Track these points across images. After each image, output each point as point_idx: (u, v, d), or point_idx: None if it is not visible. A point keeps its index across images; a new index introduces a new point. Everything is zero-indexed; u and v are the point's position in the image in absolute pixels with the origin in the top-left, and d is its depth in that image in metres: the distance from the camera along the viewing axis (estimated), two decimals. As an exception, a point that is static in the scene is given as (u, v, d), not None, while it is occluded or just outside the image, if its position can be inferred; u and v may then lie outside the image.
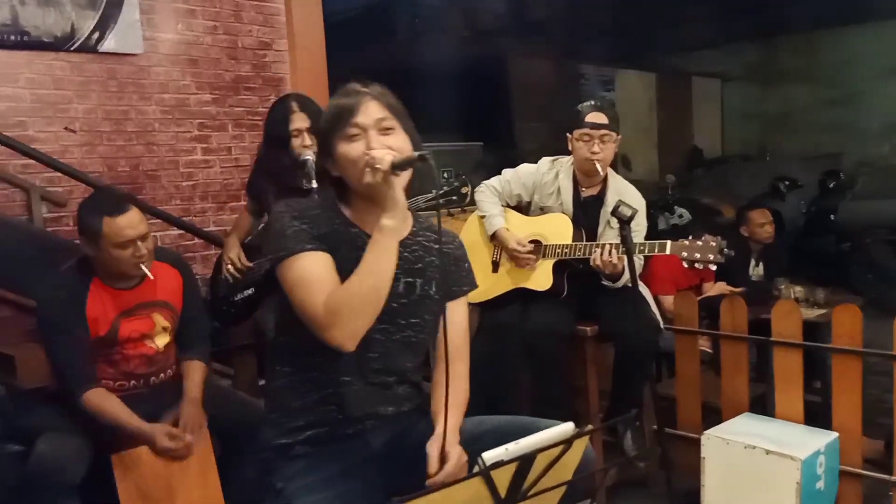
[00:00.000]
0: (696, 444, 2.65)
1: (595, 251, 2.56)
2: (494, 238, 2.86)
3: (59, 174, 3.66)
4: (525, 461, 1.10)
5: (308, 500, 1.45)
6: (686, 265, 2.41)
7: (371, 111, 1.48)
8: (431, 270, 1.62)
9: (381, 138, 1.47)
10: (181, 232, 4.09)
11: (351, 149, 1.47)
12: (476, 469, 1.09)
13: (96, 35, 3.96)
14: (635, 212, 2.35)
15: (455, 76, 7.41)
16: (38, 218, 3.71)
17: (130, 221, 2.16)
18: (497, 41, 8.22)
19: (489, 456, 1.10)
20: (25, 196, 3.73)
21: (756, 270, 3.90)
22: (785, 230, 5.30)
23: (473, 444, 1.52)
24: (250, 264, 2.73)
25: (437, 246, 1.63)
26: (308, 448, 1.54)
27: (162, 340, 2.36)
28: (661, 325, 2.80)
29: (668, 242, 2.45)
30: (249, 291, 2.73)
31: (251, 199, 2.86)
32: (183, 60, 4.33)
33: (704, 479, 2.59)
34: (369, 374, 1.55)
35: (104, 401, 2.18)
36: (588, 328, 2.74)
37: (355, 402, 1.54)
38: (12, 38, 3.70)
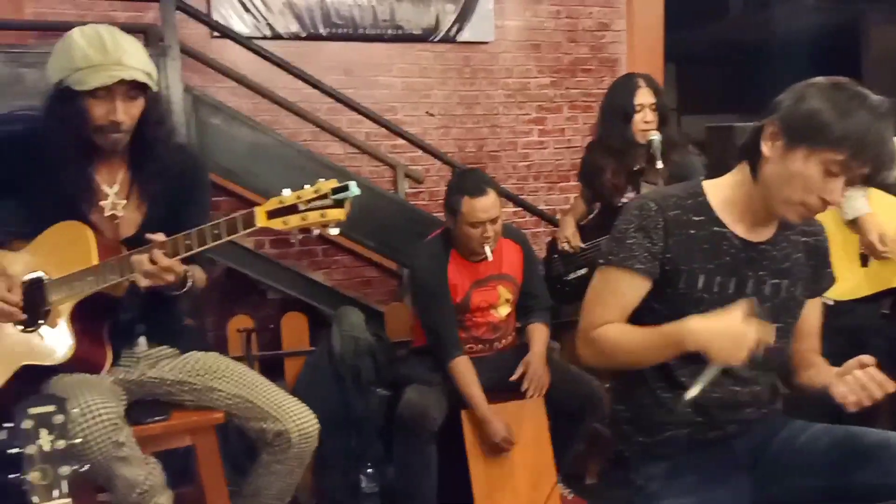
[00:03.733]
0: None
1: None
2: (854, 225, 2.48)
3: (418, 153, 4.11)
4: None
5: (671, 503, 1.43)
6: None
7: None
8: (798, 269, 1.51)
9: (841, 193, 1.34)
10: (516, 210, 4.34)
11: (820, 181, 1.32)
12: None
13: (456, 26, 4.36)
14: None
15: (796, 49, 6.61)
16: (401, 192, 4.22)
17: (485, 205, 2.37)
18: (848, 7, 7.09)
19: None
20: (392, 173, 4.27)
21: None
22: None
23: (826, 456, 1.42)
24: (583, 245, 2.80)
25: (804, 239, 1.53)
26: (669, 450, 1.50)
27: (504, 310, 2.56)
28: None
29: None
30: (583, 271, 2.79)
31: (584, 185, 2.91)
32: (527, 46, 4.56)
33: None
34: (732, 380, 1.48)
35: (466, 372, 2.40)
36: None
37: (717, 407, 1.47)
38: (390, 32, 4.24)
